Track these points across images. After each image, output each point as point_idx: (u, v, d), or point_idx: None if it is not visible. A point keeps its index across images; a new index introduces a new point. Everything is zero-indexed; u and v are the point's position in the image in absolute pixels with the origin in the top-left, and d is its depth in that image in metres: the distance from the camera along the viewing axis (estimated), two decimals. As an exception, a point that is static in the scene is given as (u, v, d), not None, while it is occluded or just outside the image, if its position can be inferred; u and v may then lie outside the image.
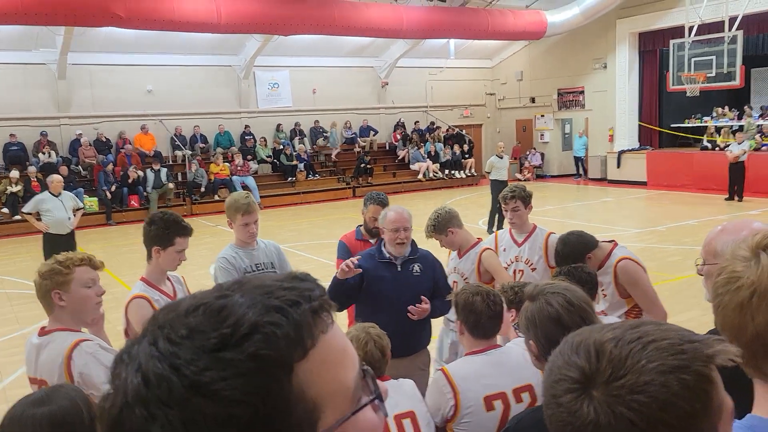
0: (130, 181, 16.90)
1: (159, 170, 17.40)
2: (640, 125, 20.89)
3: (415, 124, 22.83)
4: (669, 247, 10.47)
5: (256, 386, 0.56)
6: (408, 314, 3.56)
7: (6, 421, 1.68)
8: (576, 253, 3.56)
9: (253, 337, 0.57)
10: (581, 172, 21.84)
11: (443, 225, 4.28)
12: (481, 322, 2.71)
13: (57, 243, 9.00)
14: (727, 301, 1.08)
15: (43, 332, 2.60)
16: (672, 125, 20.84)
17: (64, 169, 15.47)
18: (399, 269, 3.73)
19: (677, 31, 17.12)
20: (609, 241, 3.80)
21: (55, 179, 9.35)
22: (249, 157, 19.29)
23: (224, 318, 0.58)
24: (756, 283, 1.03)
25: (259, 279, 0.65)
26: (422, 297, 3.63)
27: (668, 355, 0.80)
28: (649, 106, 20.85)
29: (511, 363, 2.68)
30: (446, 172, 21.60)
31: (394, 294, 3.63)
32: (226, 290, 0.62)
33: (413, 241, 3.85)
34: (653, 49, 20.22)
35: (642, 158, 19.77)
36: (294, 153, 19.82)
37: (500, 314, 2.76)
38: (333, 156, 20.97)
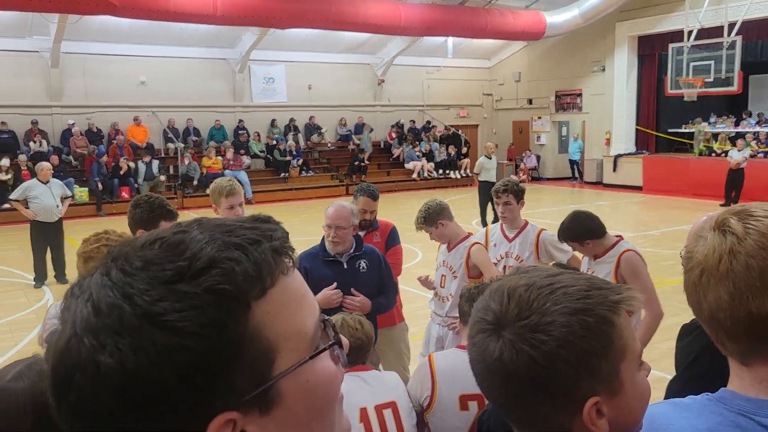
0: (121, 172, 16.76)
1: (150, 162, 17.26)
2: (637, 129, 20.86)
3: (411, 122, 22.73)
4: (663, 251, 10.43)
5: (211, 319, 0.54)
6: (343, 307, 3.42)
7: None
8: (579, 231, 3.68)
9: (211, 271, 0.56)
10: (577, 175, 21.79)
11: (433, 217, 4.20)
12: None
13: (45, 231, 8.92)
14: (686, 280, 1.08)
15: None
16: (669, 130, 20.81)
17: (54, 159, 15.32)
18: (345, 266, 3.59)
19: (676, 35, 17.09)
20: (616, 236, 3.80)
21: (44, 166, 9.29)
22: (242, 151, 19.16)
23: (181, 251, 0.57)
24: (703, 262, 1.02)
25: (220, 219, 0.63)
26: (352, 290, 3.50)
27: (574, 299, 0.84)
28: (647, 110, 20.82)
29: None
30: (441, 171, 21.52)
31: (342, 292, 3.47)
32: (184, 227, 0.61)
33: (358, 236, 3.73)
34: (652, 52, 20.20)
35: (638, 162, 19.73)
36: (287, 149, 19.69)
37: None
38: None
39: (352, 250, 3.64)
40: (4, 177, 15.21)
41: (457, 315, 3.27)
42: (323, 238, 3.66)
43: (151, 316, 0.54)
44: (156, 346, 0.53)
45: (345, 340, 0.67)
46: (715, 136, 19.14)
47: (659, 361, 4.47)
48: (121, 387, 0.53)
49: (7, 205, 13.54)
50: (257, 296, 0.57)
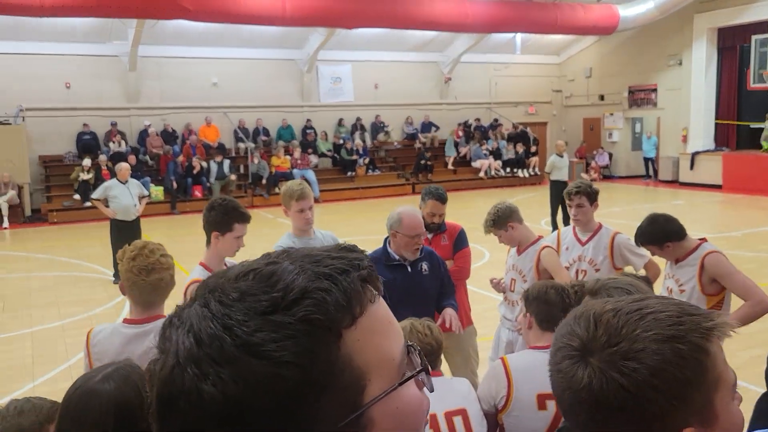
0: (194, 171, 17.29)
1: (222, 162, 17.73)
2: (716, 124, 19.93)
3: (476, 121, 22.47)
4: (744, 253, 9.92)
5: (305, 348, 0.57)
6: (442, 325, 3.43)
7: (76, 391, 1.69)
8: (656, 237, 3.56)
9: (304, 301, 0.58)
10: (651, 173, 21.02)
11: (503, 220, 4.13)
12: (553, 314, 2.64)
13: (123, 229, 9.28)
14: None
15: (136, 321, 2.59)
16: (752, 126, 19.80)
17: (132, 159, 15.95)
18: (409, 270, 3.63)
19: (760, 27, 16.27)
20: (699, 238, 3.66)
21: (123, 167, 9.64)
22: (309, 150, 19.43)
23: (275, 283, 0.60)
24: None
25: (307, 249, 0.66)
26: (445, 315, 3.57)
27: (665, 325, 0.81)
28: (727, 105, 19.86)
29: None
30: (509, 170, 21.19)
31: (406, 296, 3.46)
32: (275, 258, 0.64)
33: None
34: (733, 45, 19.23)
35: (718, 160, 18.86)
36: (354, 148, 19.85)
37: (571, 308, 2.64)
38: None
39: None
40: (86, 176, 15.95)
41: None
42: (385, 242, 3.68)
43: (250, 346, 0.57)
44: (255, 375, 0.56)
45: (428, 366, 0.69)
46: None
47: (740, 371, 4.24)
48: (223, 414, 0.56)
49: (89, 204, 14.22)
50: (348, 325, 0.60)
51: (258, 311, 0.58)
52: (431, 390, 0.68)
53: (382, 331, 0.63)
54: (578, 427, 0.88)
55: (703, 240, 3.63)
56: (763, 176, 17.34)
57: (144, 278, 2.51)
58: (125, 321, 2.62)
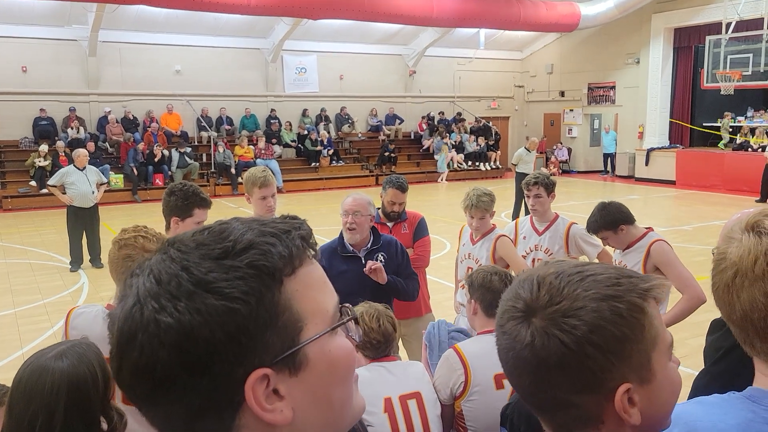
0: (156, 159, 17.04)
1: (184, 150, 17.52)
2: (671, 123, 20.49)
3: (440, 114, 22.65)
4: (695, 246, 10.28)
5: (252, 288, 0.65)
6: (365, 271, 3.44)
7: (28, 367, 1.67)
8: (610, 221, 3.66)
9: (251, 251, 0.67)
10: (609, 168, 21.50)
11: (490, 206, 4.23)
12: (497, 300, 2.66)
13: (81, 216, 9.15)
14: (717, 282, 1.08)
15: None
16: (704, 124, 20.40)
17: (91, 145, 15.65)
18: (363, 261, 3.56)
19: (714, 28, 16.74)
20: (645, 227, 3.80)
21: (81, 153, 9.48)
22: (273, 140, 19.32)
23: (226, 236, 0.69)
24: (737, 263, 1.03)
25: (254, 216, 0.75)
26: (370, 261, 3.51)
27: (604, 286, 0.85)
28: (682, 103, 20.43)
29: None
30: (471, 163, 21.43)
31: (359, 287, 3.41)
32: (226, 221, 0.73)
33: (375, 230, 3.72)
34: (688, 45, 19.78)
35: (672, 156, 19.40)
36: (318, 139, 19.81)
37: None
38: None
39: (369, 244, 3.64)
40: (42, 163, 15.60)
41: None
42: (341, 233, 3.66)
43: (205, 283, 0.65)
44: (208, 308, 0.64)
45: (355, 313, 0.77)
46: (752, 130, 18.70)
47: (689, 358, 4.44)
48: (178, 342, 0.64)
49: (45, 190, 13.91)
50: (288, 274, 0.68)
51: (212, 257, 0.67)
52: (358, 340, 0.77)
53: (317, 287, 0.72)
54: (522, 390, 0.90)
55: (650, 229, 3.78)
56: (715, 173, 17.92)
57: (116, 251, 2.49)
58: (109, 306, 2.55)
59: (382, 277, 3.48)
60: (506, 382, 2.60)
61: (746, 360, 1.60)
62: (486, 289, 2.74)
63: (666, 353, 0.88)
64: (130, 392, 0.68)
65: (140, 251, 2.47)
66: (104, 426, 1.69)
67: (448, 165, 20.91)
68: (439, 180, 20.45)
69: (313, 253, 0.73)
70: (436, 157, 21.15)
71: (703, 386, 1.97)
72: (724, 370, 1.85)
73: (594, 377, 0.83)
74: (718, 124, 20.00)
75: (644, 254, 3.64)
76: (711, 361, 1.98)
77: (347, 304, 0.77)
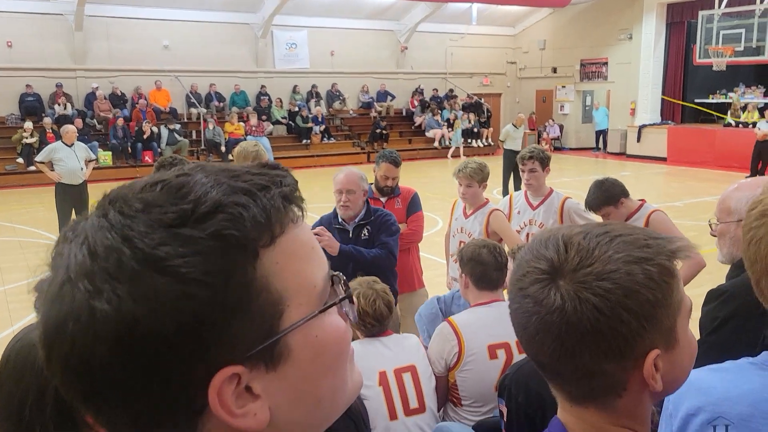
0: (144, 136, 16.86)
1: (174, 128, 17.34)
2: (663, 99, 20.46)
3: (434, 91, 22.50)
4: (686, 222, 10.31)
5: (216, 266, 0.51)
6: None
7: (17, 344, 1.60)
8: (611, 196, 3.70)
9: (217, 215, 0.52)
10: (600, 145, 21.50)
11: (485, 177, 4.24)
12: (488, 273, 2.74)
13: (69, 193, 9.05)
14: (762, 234, 1.04)
15: None
16: (696, 100, 20.38)
17: (78, 122, 15.46)
18: (351, 235, 3.68)
19: (707, 3, 16.64)
20: (639, 200, 3.88)
21: (69, 129, 9.36)
22: (264, 117, 19.16)
23: (185, 195, 0.53)
24: None
25: (224, 164, 0.59)
26: (318, 229, 3.55)
27: (634, 248, 0.81)
28: (674, 80, 20.39)
29: None
30: (463, 140, 21.35)
31: (340, 261, 3.46)
32: (187, 170, 0.56)
33: (368, 203, 3.78)
34: (681, 20, 19.68)
35: (663, 133, 19.40)
36: (310, 115, 19.65)
37: (505, 266, 2.82)
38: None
39: (358, 219, 3.71)
40: (29, 140, 15.40)
41: None
42: (335, 207, 3.75)
43: (153, 260, 0.50)
44: (157, 293, 0.49)
45: (351, 291, 0.64)
46: (743, 106, 18.72)
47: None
48: (118, 336, 0.50)
49: (33, 167, 13.75)
50: (266, 244, 0.54)
51: (164, 223, 0.51)
52: (354, 320, 0.63)
53: (304, 255, 0.57)
54: (544, 357, 0.84)
55: (643, 201, 3.85)
56: (706, 149, 17.95)
57: None
58: None
59: (329, 246, 3.46)
60: (500, 353, 2.63)
61: (742, 330, 1.58)
62: (476, 263, 2.77)
63: (687, 317, 0.86)
64: (64, 390, 0.54)
65: None
66: None
67: (440, 142, 20.84)
68: (450, 155, 20.37)
69: (299, 214, 0.58)
70: (427, 134, 21.06)
71: (699, 356, 1.97)
72: (720, 340, 1.84)
73: (626, 343, 0.79)
74: (710, 101, 19.98)
75: (643, 224, 3.67)
76: (707, 331, 1.97)
77: (338, 273, 0.62)
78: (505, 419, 1.90)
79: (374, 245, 3.68)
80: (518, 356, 2.57)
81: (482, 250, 2.79)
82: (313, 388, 0.58)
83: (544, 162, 4.32)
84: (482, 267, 2.74)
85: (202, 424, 0.53)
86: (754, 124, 16.57)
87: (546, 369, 0.86)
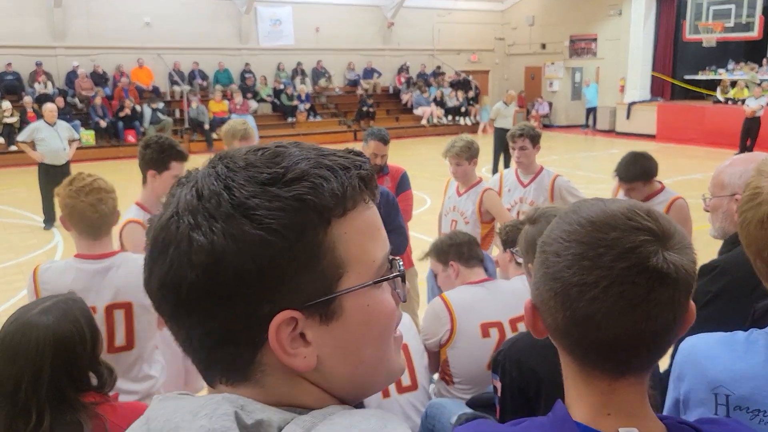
0: (122, 114, 16.51)
1: (157, 106, 17.07)
2: (652, 76, 20.40)
3: (422, 66, 22.28)
4: (675, 199, 10.30)
5: (293, 223, 0.60)
6: None
7: (12, 324, 1.63)
8: (646, 171, 3.61)
9: (302, 182, 0.62)
10: (590, 123, 21.45)
11: (475, 153, 4.19)
12: (472, 248, 2.82)
13: (52, 174, 8.86)
14: (750, 217, 1.08)
15: (92, 256, 2.47)
16: (686, 77, 20.35)
17: (60, 101, 15.15)
18: None
19: (697, -22, 16.52)
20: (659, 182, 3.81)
21: (49, 107, 9.22)
22: (249, 95, 18.91)
23: (279, 161, 0.64)
24: None
25: (316, 144, 0.69)
26: None
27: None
28: (663, 56, 20.32)
29: (507, 294, 2.71)
30: (451, 118, 21.22)
31: None
32: (284, 144, 0.67)
33: None
34: (671, -4, 19.58)
35: (652, 110, 19.37)
36: (295, 93, 19.42)
37: (474, 240, 2.93)
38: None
39: None
40: (10, 119, 15.09)
41: None
42: None
43: (245, 207, 0.60)
44: (244, 234, 0.60)
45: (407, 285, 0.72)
46: (733, 83, 18.71)
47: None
48: (207, 264, 0.60)
49: (14, 147, 13.50)
50: (338, 215, 0.63)
51: (258, 181, 0.62)
52: (404, 300, 0.71)
53: (369, 234, 0.66)
54: (652, 335, 0.86)
55: (663, 185, 3.78)
56: (695, 126, 17.96)
57: (83, 199, 2.38)
58: (78, 256, 2.48)
59: None
60: (492, 332, 2.63)
61: (733, 304, 1.60)
62: (457, 245, 2.81)
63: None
64: (156, 305, 0.65)
65: (107, 193, 2.43)
66: (94, 382, 1.68)
67: (428, 120, 20.70)
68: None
69: (371, 197, 0.68)
70: (415, 111, 20.91)
71: (690, 330, 1.98)
72: (711, 315, 1.85)
73: (684, 305, 0.88)
74: (699, 77, 19.96)
75: (665, 209, 3.60)
76: (698, 306, 1.96)
77: (397, 257, 0.71)
78: (499, 394, 1.88)
79: (389, 229, 3.59)
80: (511, 334, 2.56)
81: (451, 235, 2.90)
82: (358, 350, 0.66)
83: (535, 139, 4.29)
84: (465, 246, 2.81)
85: (261, 354, 0.63)
86: (743, 101, 16.60)
87: (631, 345, 0.86)
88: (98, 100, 16.50)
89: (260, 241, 0.59)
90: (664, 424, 0.88)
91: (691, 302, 0.88)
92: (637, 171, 3.62)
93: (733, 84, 18.61)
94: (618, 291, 0.82)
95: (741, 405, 1.09)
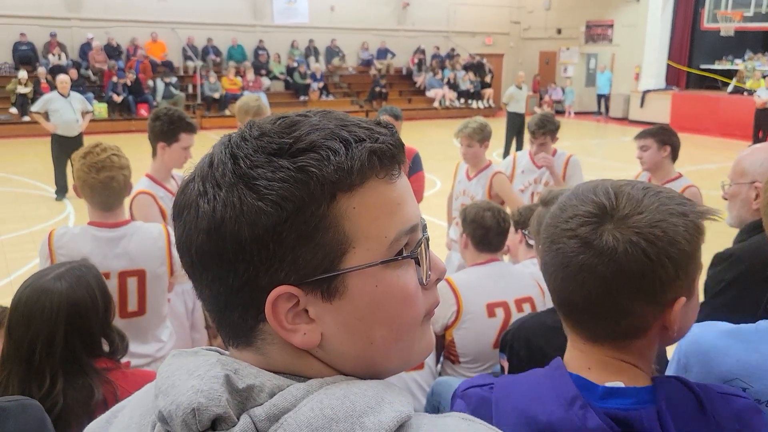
0: (129, 83, 16.48)
1: (170, 81, 17.06)
2: (668, 65, 20.16)
3: (435, 48, 22.11)
4: (686, 189, 10.24)
5: (292, 194, 0.60)
6: None
7: (27, 290, 1.66)
8: (676, 140, 3.74)
9: (309, 153, 0.61)
10: (603, 110, 21.26)
11: (488, 135, 4.19)
12: (489, 237, 2.74)
13: (65, 146, 8.92)
14: None
15: (106, 224, 2.50)
16: (701, 66, 20.10)
17: (73, 72, 15.18)
18: None
19: (718, -35, 16.26)
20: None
21: (63, 79, 9.24)
22: (262, 72, 18.86)
23: (292, 131, 0.63)
24: None
25: (343, 114, 0.67)
26: None
27: (675, 203, 0.88)
28: (680, 44, 20.05)
29: (512, 275, 2.75)
30: (463, 101, 21.10)
31: None
32: (310, 112, 0.66)
33: None
34: (690, -17, 19.29)
35: (667, 99, 19.18)
36: (308, 72, 19.35)
37: (507, 231, 2.83)
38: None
39: None
40: (23, 90, 15.14)
41: None
42: None
43: (247, 178, 0.61)
44: (242, 203, 0.60)
45: (441, 266, 0.69)
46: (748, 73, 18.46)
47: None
48: (209, 230, 0.62)
49: (27, 118, 13.56)
50: (345, 190, 0.61)
51: (266, 150, 0.62)
52: (425, 281, 0.67)
53: (385, 210, 0.63)
54: (579, 296, 0.89)
55: (680, 173, 3.80)
56: (709, 116, 17.77)
57: (94, 176, 2.40)
58: (91, 223, 2.52)
59: None
60: (498, 311, 2.63)
61: (746, 293, 1.60)
62: (477, 225, 2.76)
63: (699, 274, 0.93)
64: (181, 260, 0.67)
65: (119, 170, 2.45)
66: (106, 348, 1.72)
67: (440, 102, 20.60)
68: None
69: (393, 171, 0.64)
70: (428, 93, 20.79)
71: (702, 317, 1.99)
72: (725, 303, 1.88)
73: (662, 289, 0.86)
74: (716, 67, 19.71)
75: None
76: (711, 294, 2.01)
77: (426, 236, 0.67)
78: (506, 373, 1.89)
79: None
80: (516, 315, 2.57)
81: (486, 213, 2.76)
82: (367, 330, 0.64)
83: (554, 133, 4.34)
84: (483, 230, 2.73)
85: (263, 324, 0.63)
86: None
87: (576, 309, 0.91)
88: (120, 80, 16.48)
89: (257, 211, 0.59)
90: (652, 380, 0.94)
91: (676, 300, 0.87)
92: (670, 132, 3.76)
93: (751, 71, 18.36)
94: (556, 248, 0.90)
95: (761, 398, 1.06)
